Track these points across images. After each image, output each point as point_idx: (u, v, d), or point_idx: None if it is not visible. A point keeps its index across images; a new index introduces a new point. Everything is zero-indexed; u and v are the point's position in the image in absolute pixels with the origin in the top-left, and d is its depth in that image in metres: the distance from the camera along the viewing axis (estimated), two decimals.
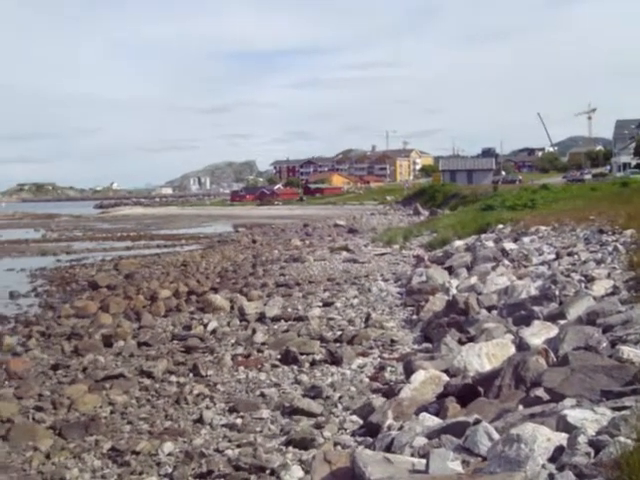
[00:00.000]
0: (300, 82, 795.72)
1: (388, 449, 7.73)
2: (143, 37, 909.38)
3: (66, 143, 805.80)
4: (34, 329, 22.69)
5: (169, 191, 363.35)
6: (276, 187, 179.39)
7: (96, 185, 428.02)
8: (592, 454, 5.40)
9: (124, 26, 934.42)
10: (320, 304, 21.87)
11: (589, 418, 6.10)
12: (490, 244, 27.04)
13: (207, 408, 12.28)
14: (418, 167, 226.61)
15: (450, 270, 24.05)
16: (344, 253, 37.66)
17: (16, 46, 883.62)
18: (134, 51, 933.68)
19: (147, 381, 14.54)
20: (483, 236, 31.26)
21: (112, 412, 12.80)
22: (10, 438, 11.82)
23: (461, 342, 13.18)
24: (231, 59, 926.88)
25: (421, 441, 7.45)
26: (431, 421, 8.42)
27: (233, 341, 17.75)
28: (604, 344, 9.44)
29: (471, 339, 13.31)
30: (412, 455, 7.13)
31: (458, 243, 31.38)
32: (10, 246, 62.93)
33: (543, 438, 5.83)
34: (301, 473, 8.88)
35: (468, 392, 9.37)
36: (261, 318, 20.18)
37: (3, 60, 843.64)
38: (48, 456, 10.83)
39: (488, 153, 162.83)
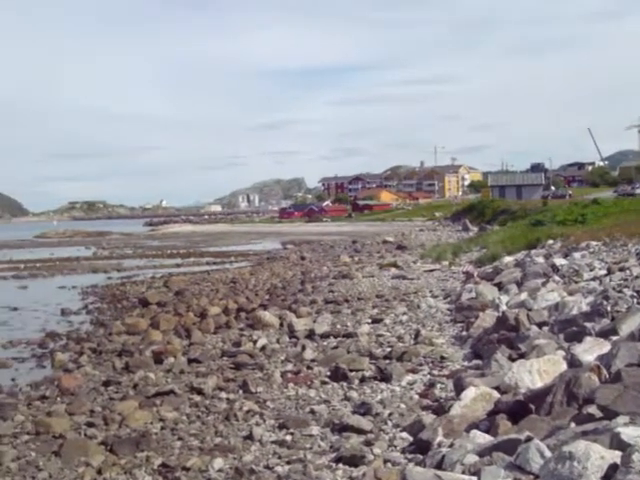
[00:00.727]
0: (348, 99, 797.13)
1: (439, 466, 7.69)
2: (192, 56, 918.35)
3: (117, 162, 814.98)
4: (85, 346, 22.95)
5: (218, 208, 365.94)
6: (324, 204, 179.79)
7: (146, 203, 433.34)
8: None
9: (174, 45, 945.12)
10: (369, 321, 21.82)
11: None
12: (540, 260, 26.79)
13: (257, 425, 12.28)
14: (467, 183, 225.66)
15: (500, 286, 23.85)
16: (393, 269, 37.55)
17: (68, 65, 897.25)
18: (183, 70, 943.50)
19: (197, 398, 14.58)
20: (533, 252, 30.99)
21: (163, 428, 12.86)
22: (62, 454, 11.94)
23: (512, 359, 13.05)
24: (279, 77, 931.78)
25: (472, 459, 7.40)
26: (482, 438, 8.36)
27: (283, 358, 17.77)
28: None
29: (522, 355, 13.18)
30: (463, 473, 7.09)
31: (508, 259, 31.15)
32: (62, 264, 63.71)
33: (596, 456, 5.77)
34: None
35: (519, 409, 9.28)
36: (310, 335, 20.17)
37: (57, 79, 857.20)
38: (100, 472, 10.91)
39: (537, 168, 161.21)
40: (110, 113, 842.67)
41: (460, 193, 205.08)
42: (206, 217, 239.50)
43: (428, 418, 10.76)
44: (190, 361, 18.39)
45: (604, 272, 19.95)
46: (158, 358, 19.13)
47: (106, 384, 17.18)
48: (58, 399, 16.48)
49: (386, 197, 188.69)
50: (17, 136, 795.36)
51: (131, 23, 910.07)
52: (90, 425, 13.55)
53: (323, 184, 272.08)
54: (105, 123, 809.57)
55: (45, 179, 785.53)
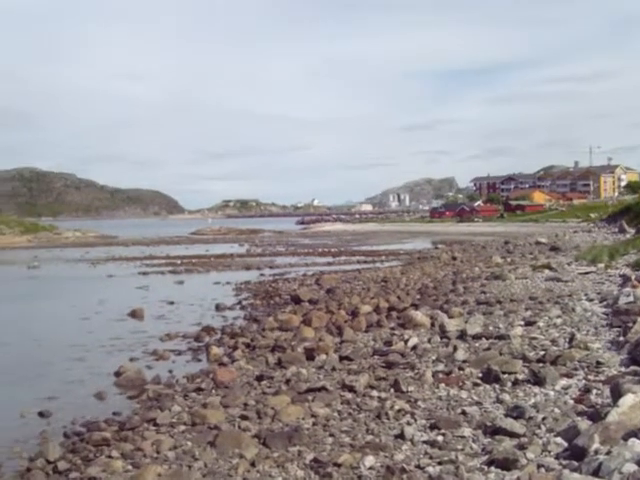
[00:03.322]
0: (499, 97, 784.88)
1: (595, 474, 7.51)
2: (344, 56, 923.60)
3: (270, 161, 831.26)
4: (239, 340, 23.50)
5: (369, 208, 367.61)
6: (476, 204, 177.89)
7: (297, 201, 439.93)
8: None
9: (324, 45, 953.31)
10: (522, 323, 21.42)
11: None
12: None
13: (408, 424, 12.25)
14: (623, 183, 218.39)
15: None
16: (546, 271, 36.74)
17: (225, 66, 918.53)
18: (334, 70, 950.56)
19: (349, 395, 14.67)
20: None
21: (314, 424, 13.01)
22: (217, 445, 12.25)
23: None
24: (430, 76, 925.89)
25: (631, 467, 7.20)
26: None
27: (434, 358, 17.66)
28: None
29: None
30: None
31: None
32: (216, 260, 65.44)
33: None
34: None
35: None
36: (462, 335, 19.98)
37: (213, 80, 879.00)
38: (253, 464, 11.12)
39: None
40: (264, 113, 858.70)
41: (616, 194, 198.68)
42: (357, 216, 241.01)
43: (584, 424, 10.49)
44: (342, 358, 18.53)
45: None
46: (310, 354, 19.38)
47: (259, 378, 17.55)
48: (213, 391, 16.96)
49: (539, 197, 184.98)
50: (175, 136, 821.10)
51: (284, 24, 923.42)
52: (244, 418, 13.86)
53: (475, 184, 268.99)
54: (259, 123, 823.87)
55: (200, 178, 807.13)
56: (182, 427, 14.03)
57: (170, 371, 21.01)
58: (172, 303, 36.41)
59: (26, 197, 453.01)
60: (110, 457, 12.68)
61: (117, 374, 20.49)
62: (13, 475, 12.88)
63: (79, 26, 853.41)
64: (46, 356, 24.05)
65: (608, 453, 8.25)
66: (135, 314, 32.51)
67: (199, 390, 17.41)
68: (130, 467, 11.90)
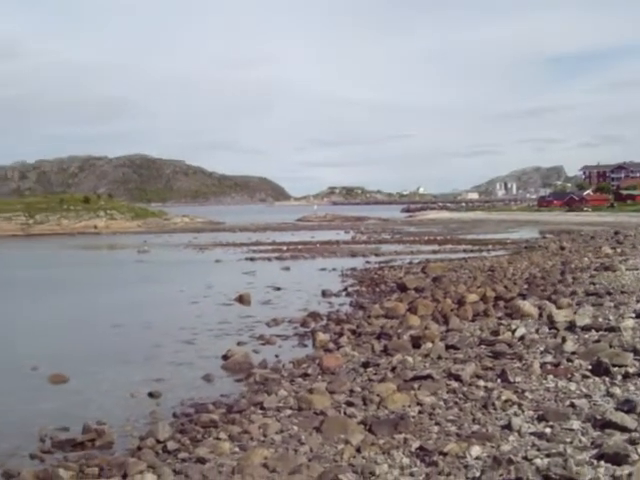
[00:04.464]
0: (612, 84, 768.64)
1: None
2: (450, 42, 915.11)
3: (375, 149, 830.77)
4: (345, 327, 23.64)
5: (475, 196, 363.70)
6: (585, 193, 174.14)
7: (403, 189, 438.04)
8: None
9: (432, 32, 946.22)
10: (633, 315, 20.91)
11: None
12: None
13: (515, 415, 12.11)
14: None
15: None
16: None
17: (335, 55, 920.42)
18: (441, 57, 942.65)
19: (455, 384, 14.57)
20: None
21: (420, 412, 12.98)
22: (323, 430, 12.39)
23: None
24: (539, 62, 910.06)
25: None
26: None
27: (542, 349, 17.37)
28: None
29: None
30: None
31: None
32: (322, 247, 65.79)
33: None
34: None
35: None
36: (571, 327, 19.62)
37: (318, 68, 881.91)
38: (359, 450, 11.18)
39: None
40: (371, 101, 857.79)
41: None
42: (463, 204, 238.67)
43: None
44: (448, 347, 18.42)
45: None
46: (416, 342, 19.35)
47: (365, 365, 17.62)
48: (319, 377, 17.11)
49: None
50: (282, 124, 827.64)
51: (390, 9, 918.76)
52: (350, 404, 13.95)
53: (584, 172, 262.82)
54: (366, 111, 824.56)
55: (307, 165, 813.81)
56: (288, 411, 14.22)
57: (276, 356, 21.28)
58: (278, 289, 36.82)
59: (136, 183, 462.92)
60: (218, 439, 12.94)
61: (225, 357, 20.87)
62: (124, 453, 13.27)
63: (189, 17, 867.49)
64: (156, 338, 24.65)
65: None
66: (242, 299, 33.00)
67: (305, 375, 17.59)
68: (237, 449, 12.12)
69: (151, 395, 17.49)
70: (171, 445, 13.04)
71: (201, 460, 11.58)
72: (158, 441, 13.40)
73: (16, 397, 17.76)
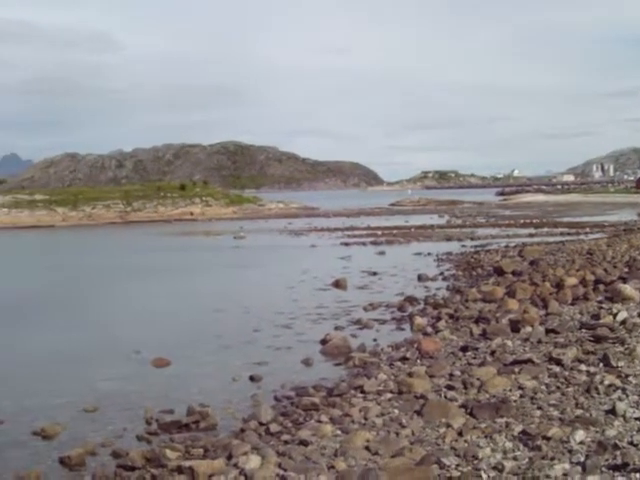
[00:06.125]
0: None
1: None
2: (544, 23, 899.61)
3: (469, 132, 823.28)
4: (443, 311, 23.59)
5: (570, 178, 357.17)
6: None
7: (497, 172, 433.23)
8: None
9: (524, 13, 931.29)
10: None
11: None
12: None
13: (619, 400, 11.92)
14: None
15: None
16: None
17: (420, 37, 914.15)
18: (535, 38, 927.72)
19: (556, 368, 14.41)
20: None
21: (521, 396, 12.90)
22: (424, 413, 12.44)
23: None
24: (634, 42, 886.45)
25: None
26: None
27: None
28: None
29: None
30: None
31: None
32: (417, 231, 65.69)
33: None
34: None
35: None
36: None
37: (410, 52, 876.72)
38: (460, 433, 11.20)
39: None
40: (463, 84, 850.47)
41: None
42: (558, 187, 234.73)
43: None
44: (548, 331, 18.21)
45: None
46: (515, 326, 19.20)
47: (464, 349, 17.58)
48: (418, 361, 17.15)
49: None
50: (375, 109, 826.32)
51: None
52: (450, 388, 13.96)
53: None
54: (459, 94, 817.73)
55: (400, 149, 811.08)
56: (388, 395, 14.30)
57: (374, 340, 21.37)
58: (374, 273, 36.87)
59: (230, 170, 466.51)
60: (320, 422, 13.09)
61: (323, 342, 21.04)
62: (228, 435, 13.53)
63: (284, 6, 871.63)
64: (255, 323, 24.96)
65: None
66: (338, 284, 33.17)
67: (404, 359, 17.64)
68: (339, 432, 12.24)
69: (252, 379, 17.74)
70: (274, 427, 13.25)
71: (304, 442, 11.72)
72: (261, 423, 13.63)
73: (121, 380, 18.24)
